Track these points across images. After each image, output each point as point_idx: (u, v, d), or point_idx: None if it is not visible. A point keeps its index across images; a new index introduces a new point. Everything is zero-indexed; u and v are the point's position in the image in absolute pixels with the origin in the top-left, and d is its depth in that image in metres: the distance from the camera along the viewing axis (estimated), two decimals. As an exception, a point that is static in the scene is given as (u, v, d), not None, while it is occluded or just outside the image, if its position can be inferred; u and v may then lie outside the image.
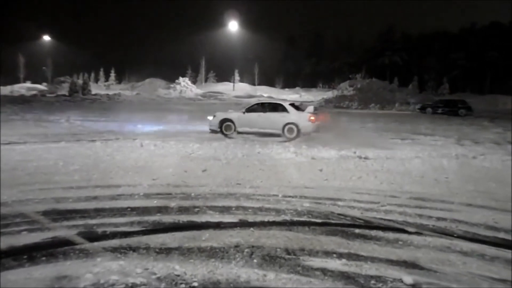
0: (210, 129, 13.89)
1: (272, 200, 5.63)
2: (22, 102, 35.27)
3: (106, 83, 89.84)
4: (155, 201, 5.42)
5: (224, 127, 13.55)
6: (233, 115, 13.66)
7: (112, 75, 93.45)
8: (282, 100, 15.24)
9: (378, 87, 43.18)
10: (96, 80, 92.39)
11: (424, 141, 13.28)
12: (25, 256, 3.59)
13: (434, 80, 67.81)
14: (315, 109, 13.49)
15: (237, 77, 79.04)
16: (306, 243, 4.09)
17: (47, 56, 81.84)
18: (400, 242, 4.19)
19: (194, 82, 76.12)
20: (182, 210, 5.07)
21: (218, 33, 74.79)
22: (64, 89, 58.63)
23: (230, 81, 75.82)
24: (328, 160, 8.96)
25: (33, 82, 76.43)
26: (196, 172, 7.33)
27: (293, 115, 13.05)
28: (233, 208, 5.19)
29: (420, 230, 4.58)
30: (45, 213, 4.81)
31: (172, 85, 65.42)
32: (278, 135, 12.94)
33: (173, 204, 5.28)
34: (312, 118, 12.83)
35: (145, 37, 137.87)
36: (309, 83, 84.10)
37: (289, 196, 5.84)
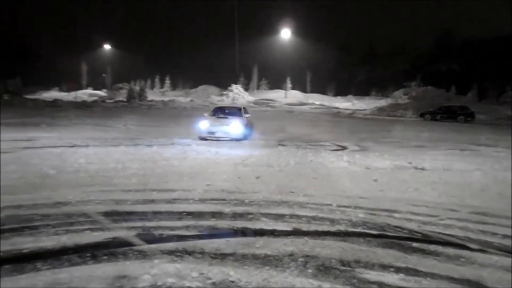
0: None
1: (326, 210, 5.55)
2: (84, 107, 37.04)
3: (161, 90, 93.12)
4: (210, 206, 5.50)
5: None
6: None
7: (167, 82, 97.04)
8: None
9: (434, 96, 41.68)
10: (152, 86, 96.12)
11: (485, 152, 12.64)
12: (88, 254, 3.75)
13: (496, 88, 64.18)
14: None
15: (289, 84, 78.76)
16: (361, 255, 3.99)
17: (107, 64, 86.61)
18: (462, 259, 3.99)
19: (246, 89, 76.80)
20: (236, 216, 5.11)
21: (271, 41, 75.60)
22: (122, 95, 61.73)
23: (282, 89, 75.86)
24: (383, 170, 8.74)
25: (94, 89, 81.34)
26: (249, 179, 7.37)
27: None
28: (287, 216, 5.17)
29: (484, 247, 4.34)
30: (106, 214, 5.01)
31: (225, 92, 66.59)
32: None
33: (227, 209, 5.34)
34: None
35: (199, 44, 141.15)
36: (362, 91, 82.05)
37: (343, 206, 5.74)
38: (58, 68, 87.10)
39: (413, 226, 4.99)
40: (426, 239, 4.56)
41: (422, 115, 35.18)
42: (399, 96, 45.05)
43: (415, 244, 4.34)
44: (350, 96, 75.57)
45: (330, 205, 5.79)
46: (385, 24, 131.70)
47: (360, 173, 8.30)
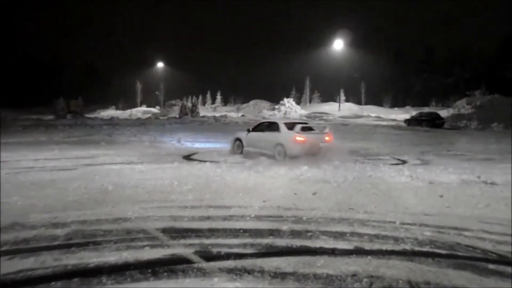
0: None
1: (388, 227, 5.28)
2: (139, 124, 37.79)
3: (212, 105, 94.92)
4: (267, 224, 5.40)
5: (236, 146, 14.17)
6: (241, 134, 14.13)
7: (218, 97, 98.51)
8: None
9: (501, 104, 39.18)
10: (204, 102, 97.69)
11: None
12: (149, 270, 3.76)
13: None
14: (305, 128, 12.32)
15: (342, 96, 76.84)
16: (431, 276, 3.72)
17: (160, 81, 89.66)
18: (546, 284, 3.60)
19: (298, 102, 75.74)
20: (295, 234, 4.97)
21: (323, 52, 74.40)
22: (174, 112, 62.27)
23: (335, 101, 74.11)
24: (448, 185, 8.25)
25: (148, 106, 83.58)
26: (306, 195, 7.20)
27: (282, 135, 12.32)
28: (348, 234, 4.96)
29: None
30: (164, 230, 5.04)
31: (276, 106, 66.00)
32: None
33: (285, 227, 5.21)
34: (299, 138, 11.80)
35: (250, 59, 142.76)
36: (420, 101, 78.29)
37: (408, 224, 5.43)
38: (114, 87, 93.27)
39: (487, 245, 4.61)
40: (504, 260, 4.18)
41: (407, 121, 39.59)
42: (462, 106, 42.77)
43: (491, 266, 4.00)
44: (408, 107, 72.76)
45: (393, 222, 5.51)
46: (443, 29, 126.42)
47: (423, 189, 7.88)
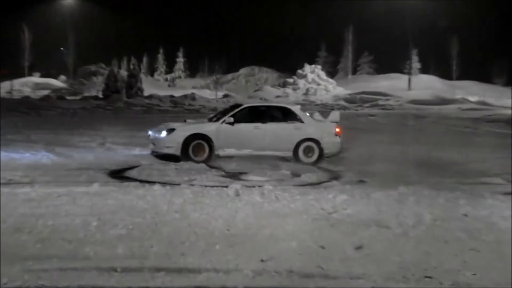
0: (154, 152, 10.15)
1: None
2: (27, 109, 24.09)
3: (168, 76, 58.40)
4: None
5: (192, 149, 9.61)
6: (207, 127, 9.97)
7: (180, 61, 58.53)
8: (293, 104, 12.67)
9: None
10: (151, 70, 59.04)
11: None
12: None
13: None
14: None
15: (416, 64, 47.56)
16: None
17: (69, 29, 49.89)
18: None
19: (332, 73, 47.34)
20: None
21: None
22: (95, 87, 39.55)
23: (402, 72, 46.43)
24: None
25: (45, 75, 50.71)
26: (343, 250, 4.42)
27: (311, 126, 10.17)
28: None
29: None
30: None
31: (291, 79, 41.29)
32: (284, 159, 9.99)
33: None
34: (338, 130, 10.34)
35: None
36: None
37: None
38: None
39: None
40: None
41: None
42: None
43: None
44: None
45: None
46: None
47: None
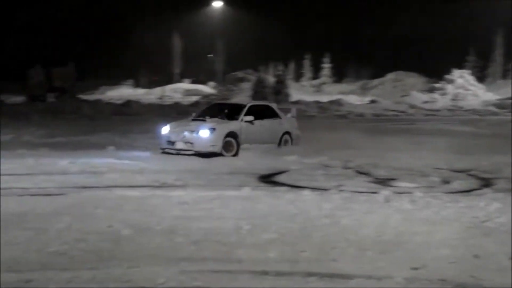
0: (165, 150, 10.79)
1: None
2: (178, 114, 23.42)
3: (315, 82, 57.06)
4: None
5: (224, 145, 10.58)
6: (234, 125, 11.01)
7: (326, 67, 56.17)
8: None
9: None
10: (298, 76, 57.69)
11: None
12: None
13: None
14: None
15: None
16: None
17: (216, 36, 49.58)
18: None
19: (481, 78, 44.91)
20: None
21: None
22: (243, 92, 38.39)
23: None
24: None
25: (195, 81, 51.90)
26: (498, 260, 4.23)
27: (286, 122, 12.24)
28: None
29: None
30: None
31: (438, 85, 39.84)
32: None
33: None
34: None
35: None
36: None
37: None
38: (131, 48, 51.89)
39: None
40: None
41: None
42: None
43: None
44: None
45: None
46: None
47: None
